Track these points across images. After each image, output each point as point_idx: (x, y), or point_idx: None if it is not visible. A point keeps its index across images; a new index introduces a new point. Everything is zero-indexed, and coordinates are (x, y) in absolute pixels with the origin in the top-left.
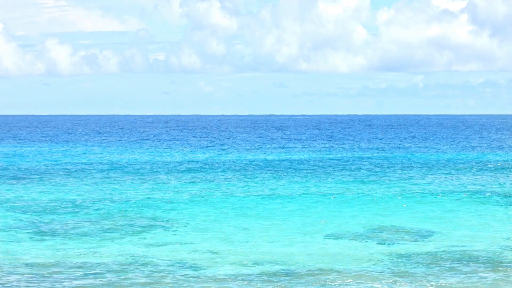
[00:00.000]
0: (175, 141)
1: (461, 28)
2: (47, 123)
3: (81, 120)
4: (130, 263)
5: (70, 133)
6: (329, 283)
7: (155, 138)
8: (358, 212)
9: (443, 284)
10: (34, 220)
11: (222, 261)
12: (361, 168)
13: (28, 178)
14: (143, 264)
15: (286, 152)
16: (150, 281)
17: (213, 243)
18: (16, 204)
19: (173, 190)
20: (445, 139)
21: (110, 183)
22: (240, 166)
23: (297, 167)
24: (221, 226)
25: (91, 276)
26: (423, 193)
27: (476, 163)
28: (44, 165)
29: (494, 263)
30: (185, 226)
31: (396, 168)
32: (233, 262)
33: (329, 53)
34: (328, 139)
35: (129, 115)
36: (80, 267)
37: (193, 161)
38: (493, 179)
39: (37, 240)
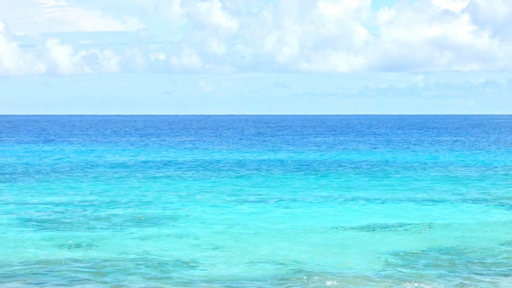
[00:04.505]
0: (189, 141)
1: (461, 28)
2: (50, 123)
3: (86, 121)
4: (132, 262)
5: (79, 133)
6: (333, 284)
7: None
8: (363, 213)
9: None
10: (34, 219)
11: (223, 262)
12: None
13: (27, 178)
14: (145, 264)
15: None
16: (151, 280)
17: (215, 244)
18: (14, 204)
19: (179, 189)
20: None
21: (113, 182)
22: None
23: (308, 166)
24: (222, 228)
25: (91, 275)
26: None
27: None
28: (46, 164)
29: (497, 266)
30: (188, 226)
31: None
32: (234, 262)
33: (329, 53)
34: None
35: (129, 115)
36: (79, 266)
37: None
38: None
39: (36, 239)
